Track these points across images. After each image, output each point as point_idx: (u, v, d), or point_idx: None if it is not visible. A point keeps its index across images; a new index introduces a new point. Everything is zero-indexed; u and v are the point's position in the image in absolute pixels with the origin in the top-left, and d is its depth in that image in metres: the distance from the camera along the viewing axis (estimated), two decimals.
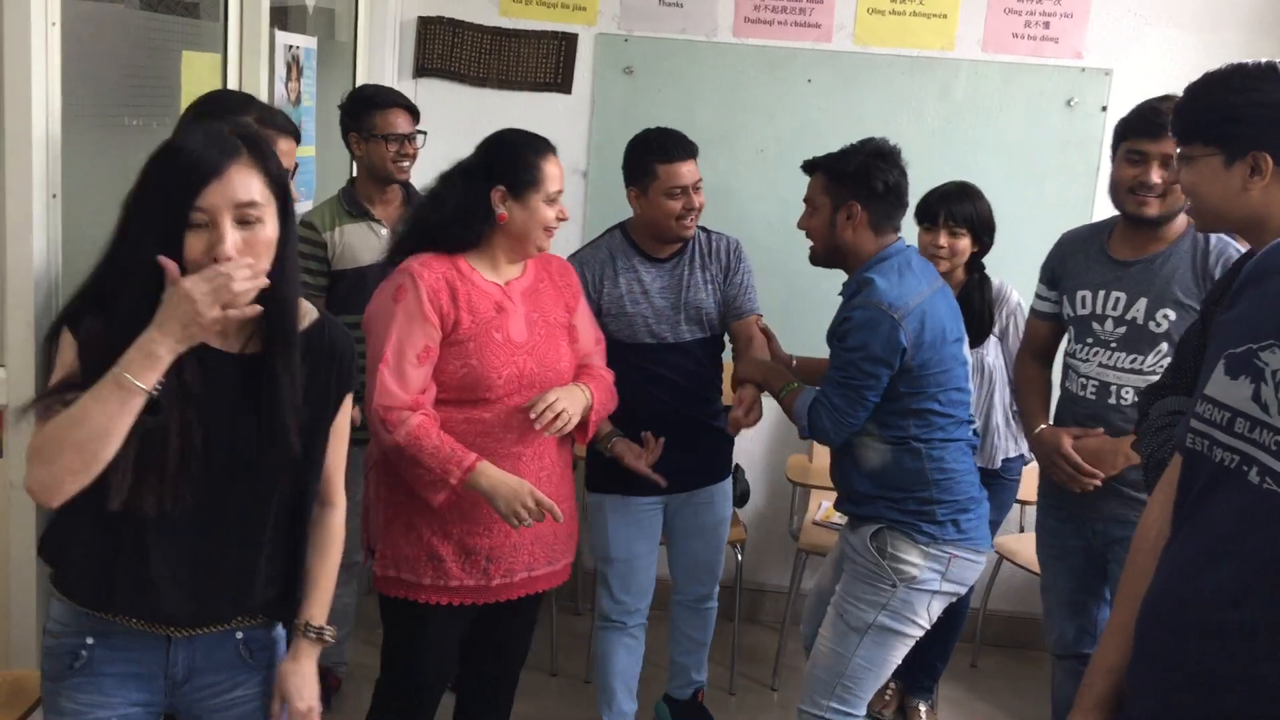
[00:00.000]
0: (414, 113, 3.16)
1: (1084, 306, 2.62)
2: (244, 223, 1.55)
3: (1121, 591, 1.47)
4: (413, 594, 2.37)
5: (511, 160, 2.33)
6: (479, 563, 2.36)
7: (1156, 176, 2.45)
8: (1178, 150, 1.92)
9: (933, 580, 2.53)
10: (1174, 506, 1.36)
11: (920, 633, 2.59)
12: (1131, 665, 1.35)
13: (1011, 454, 3.27)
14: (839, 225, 2.56)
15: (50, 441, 1.52)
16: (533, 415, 2.29)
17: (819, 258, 2.66)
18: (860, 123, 3.83)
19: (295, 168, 2.40)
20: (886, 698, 3.54)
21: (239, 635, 1.76)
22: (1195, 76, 1.92)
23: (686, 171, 2.85)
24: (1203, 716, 1.23)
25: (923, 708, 3.52)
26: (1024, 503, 3.76)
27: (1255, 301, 1.32)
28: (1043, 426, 2.68)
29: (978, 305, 3.10)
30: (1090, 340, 2.60)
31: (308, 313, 1.74)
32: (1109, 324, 2.57)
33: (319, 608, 1.84)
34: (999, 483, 3.29)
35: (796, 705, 2.71)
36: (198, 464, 1.60)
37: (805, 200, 2.64)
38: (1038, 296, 2.79)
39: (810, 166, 2.65)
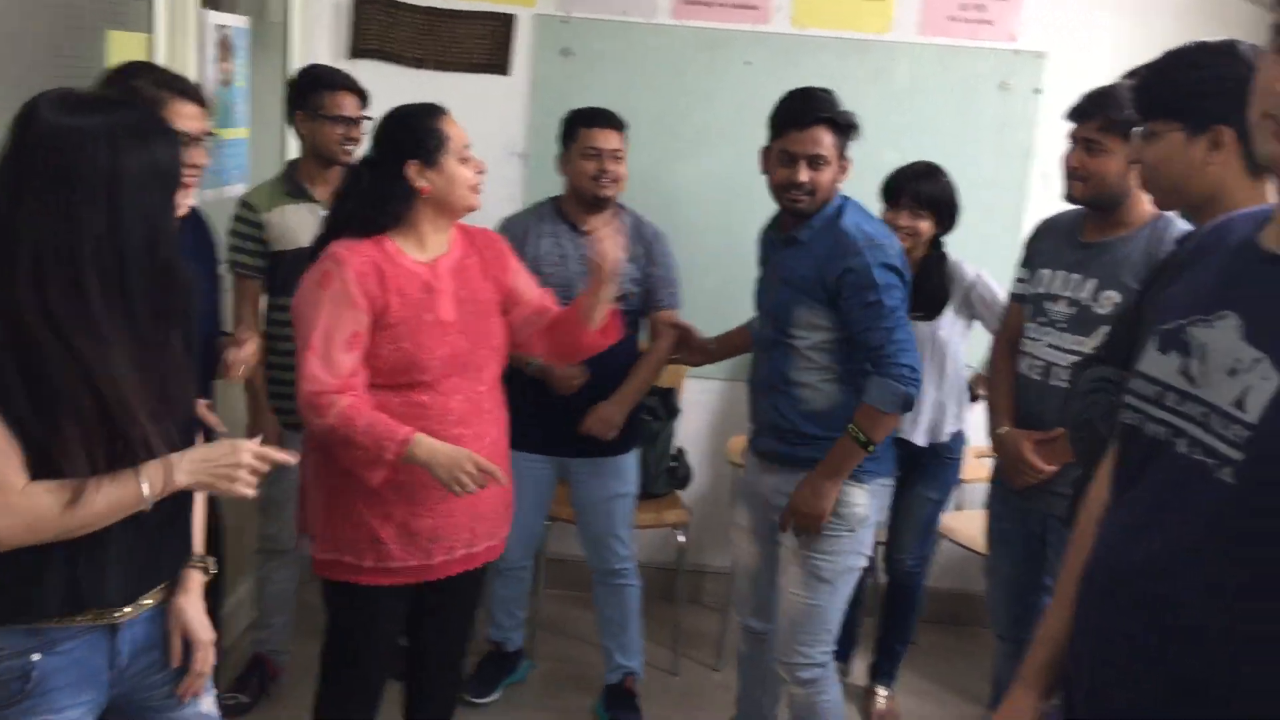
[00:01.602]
0: (363, 97, 3.14)
1: (1042, 285, 2.64)
2: None
3: (1065, 565, 1.49)
4: (354, 577, 2.35)
5: (412, 132, 2.32)
6: (421, 543, 2.36)
7: (1074, 160, 2.52)
8: (1140, 127, 1.93)
9: (875, 512, 2.66)
10: (1113, 481, 1.39)
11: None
12: (1071, 636, 1.38)
13: (954, 429, 3.32)
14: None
15: (45, 519, 1.53)
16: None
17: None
18: None
19: (209, 135, 2.33)
20: (881, 705, 3.52)
21: (164, 607, 1.77)
22: (1127, 59, 1.95)
23: (604, 138, 3.06)
24: (1134, 685, 1.25)
25: (883, 693, 3.53)
26: (962, 481, 3.82)
27: (1188, 280, 1.35)
28: (1005, 430, 2.67)
29: (935, 280, 3.15)
30: (1043, 319, 2.62)
31: None
32: (1061, 304, 2.58)
33: (198, 537, 1.87)
34: (941, 461, 3.34)
35: (736, 685, 2.81)
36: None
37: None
38: (1016, 280, 2.81)
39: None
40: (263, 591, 3.26)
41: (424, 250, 2.37)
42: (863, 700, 3.55)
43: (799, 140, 2.57)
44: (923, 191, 3.10)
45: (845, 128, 2.63)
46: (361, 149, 3.09)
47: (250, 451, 1.65)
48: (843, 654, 3.51)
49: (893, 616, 3.49)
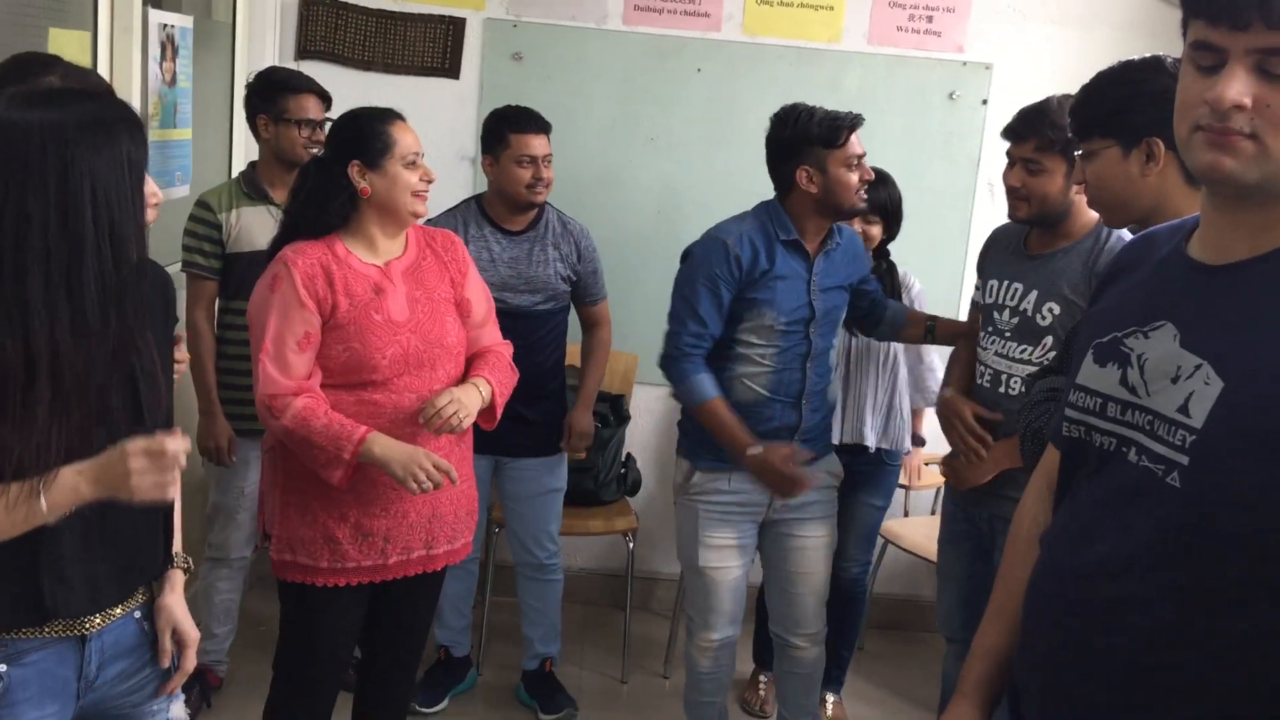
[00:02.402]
0: (326, 99, 3.12)
1: (990, 295, 2.67)
2: None
3: (999, 576, 1.51)
4: (309, 577, 2.35)
5: (358, 133, 2.34)
6: (376, 544, 2.36)
7: (1013, 180, 2.53)
8: (1079, 148, 1.98)
9: None
10: (1055, 493, 1.41)
11: None
12: (1019, 646, 1.39)
13: (905, 443, 3.37)
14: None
15: None
16: (421, 421, 2.29)
17: None
18: (750, 113, 3.85)
19: None
20: (761, 692, 3.56)
21: (137, 614, 1.73)
22: (1072, 71, 2.00)
23: (537, 144, 3.07)
24: (1088, 688, 1.26)
25: (831, 699, 3.54)
26: (908, 488, 3.85)
27: (1119, 294, 1.38)
28: (953, 393, 2.71)
29: (887, 286, 3.23)
30: (990, 329, 2.65)
31: None
32: (1005, 314, 2.61)
33: (177, 538, 1.84)
34: (885, 469, 3.37)
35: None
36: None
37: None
38: (975, 287, 2.85)
39: None
40: (207, 601, 3.20)
41: (375, 252, 2.37)
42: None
43: (857, 143, 2.73)
44: (873, 198, 3.13)
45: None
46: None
47: (136, 454, 1.52)
48: (771, 662, 3.53)
49: (839, 623, 3.49)
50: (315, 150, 3.04)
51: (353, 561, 2.35)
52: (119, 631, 1.70)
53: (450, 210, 3.19)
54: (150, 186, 1.61)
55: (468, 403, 2.33)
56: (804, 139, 2.69)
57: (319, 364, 2.30)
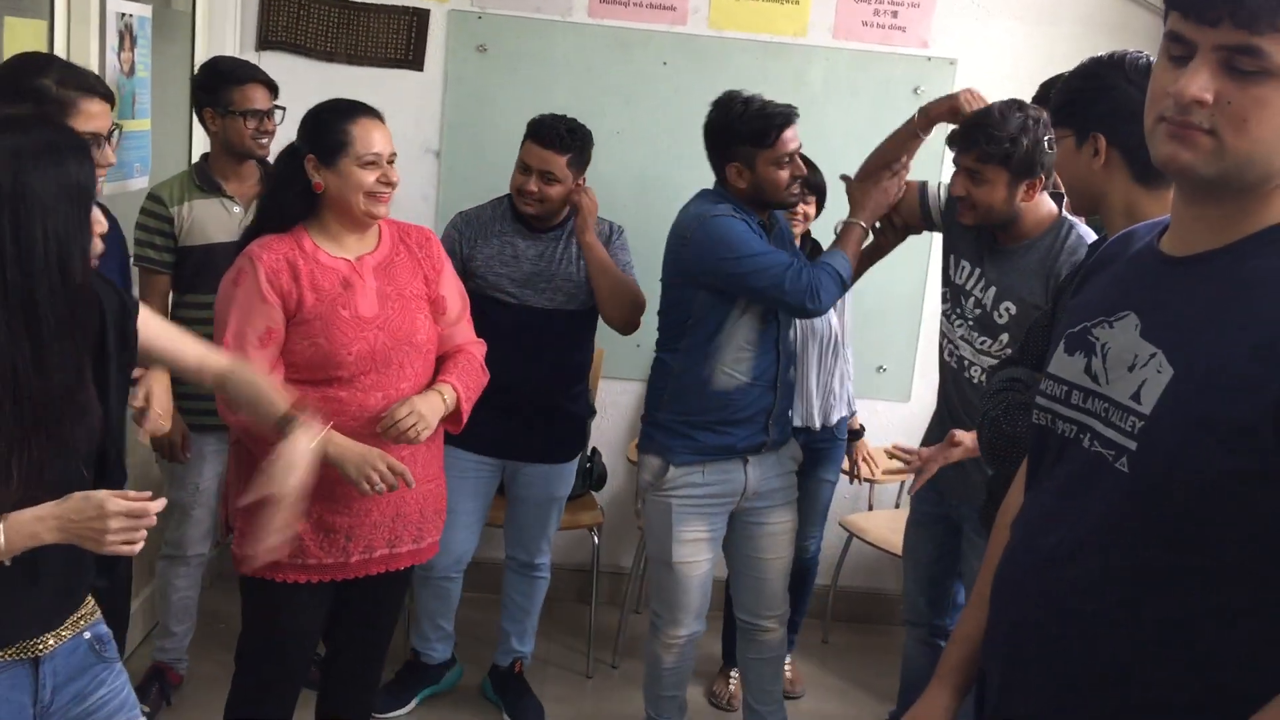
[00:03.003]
0: (272, 88, 3.06)
1: (960, 275, 2.69)
2: None
3: (984, 564, 1.53)
4: (271, 573, 2.33)
5: (317, 128, 2.32)
6: (338, 541, 2.35)
7: (958, 188, 2.55)
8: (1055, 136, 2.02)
9: None
10: (1026, 482, 1.44)
11: None
12: (985, 631, 1.41)
13: (844, 413, 3.46)
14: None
15: None
16: (379, 431, 2.28)
17: None
18: None
19: (116, 131, 2.28)
20: (731, 686, 3.59)
21: (86, 635, 1.71)
22: (1035, 67, 2.02)
23: (537, 154, 2.98)
24: (1043, 674, 1.28)
25: (786, 660, 3.57)
26: (872, 481, 3.87)
27: (1093, 287, 1.40)
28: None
29: None
30: (959, 311, 2.68)
31: None
32: (970, 302, 2.65)
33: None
34: (835, 444, 3.45)
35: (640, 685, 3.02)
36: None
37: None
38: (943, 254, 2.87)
39: None
40: (165, 599, 3.16)
41: (343, 246, 2.35)
42: None
43: (792, 139, 2.76)
44: (810, 180, 3.24)
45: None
46: (277, 140, 3.03)
47: (116, 512, 1.49)
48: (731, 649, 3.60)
49: (792, 593, 3.56)
50: (265, 140, 3.01)
51: (314, 558, 2.34)
52: (70, 654, 1.68)
53: (483, 204, 3.14)
54: (95, 214, 1.58)
55: (427, 413, 2.31)
56: (733, 137, 2.72)
57: (284, 359, 2.27)
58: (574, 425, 3.25)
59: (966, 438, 2.54)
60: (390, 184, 2.32)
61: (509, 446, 3.10)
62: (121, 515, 1.49)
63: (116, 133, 2.28)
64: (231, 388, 1.99)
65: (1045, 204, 2.60)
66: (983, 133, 2.47)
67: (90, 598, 1.75)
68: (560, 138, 2.96)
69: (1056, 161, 1.99)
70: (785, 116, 2.72)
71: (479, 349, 2.54)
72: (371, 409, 2.29)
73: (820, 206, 3.38)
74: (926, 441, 2.80)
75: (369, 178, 2.29)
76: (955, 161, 2.57)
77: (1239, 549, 1.13)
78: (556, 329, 3.05)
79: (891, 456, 2.63)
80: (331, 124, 2.30)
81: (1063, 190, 2.76)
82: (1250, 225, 1.19)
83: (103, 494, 1.51)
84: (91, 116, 2.17)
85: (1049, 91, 2.54)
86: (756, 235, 2.74)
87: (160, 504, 1.54)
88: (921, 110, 2.84)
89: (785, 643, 3.06)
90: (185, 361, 1.91)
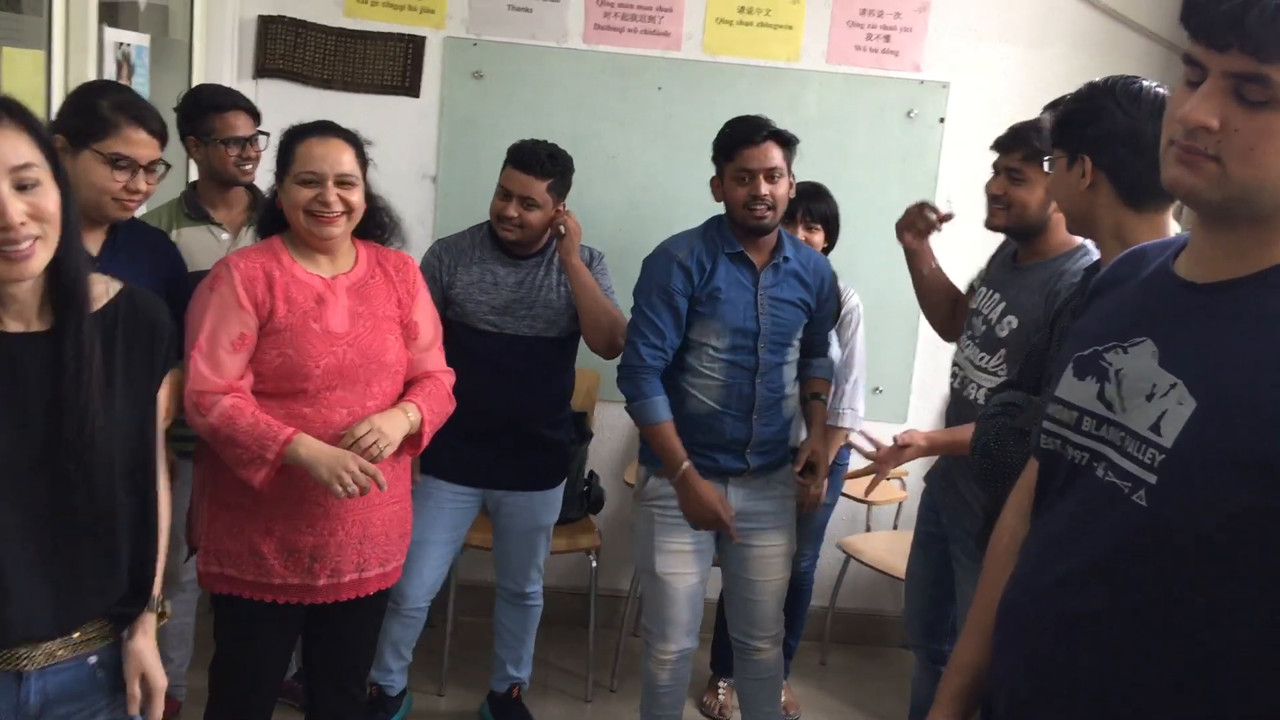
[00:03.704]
0: (254, 114, 3.07)
1: (977, 301, 2.72)
2: (21, 187, 1.48)
3: (978, 590, 1.52)
4: (237, 589, 2.35)
5: (280, 149, 2.38)
6: (303, 561, 2.35)
7: (996, 188, 2.58)
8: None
9: None
10: (1033, 507, 1.41)
11: None
12: (992, 659, 1.39)
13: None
14: None
15: None
16: (341, 447, 2.27)
17: None
18: (711, 131, 3.87)
19: (162, 166, 2.37)
20: (721, 696, 3.62)
21: (92, 660, 1.67)
22: (1027, 89, 2.04)
23: (519, 180, 2.96)
24: (1053, 703, 1.27)
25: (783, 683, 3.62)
26: (871, 504, 3.87)
27: (1101, 308, 1.38)
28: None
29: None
30: (969, 332, 2.71)
31: (110, 286, 1.69)
32: (979, 320, 2.66)
33: (157, 581, 1.80)
34: (834, 467, 3.42)
35: (638, 705, 3.04)
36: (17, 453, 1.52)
37: None
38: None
39: None
40: (160, 626, 3.15)
41: (317, 265, 2.38)
42: None
43: (754, 156, 2.70)
44: (814, 209, 3.34)
45: (789, 142, 2.78)
46: (261, 166, 3.04)
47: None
48: (730, 668, 3.59)
49: (786, 614, 3.57)
50: (248, 167, 3.02)
51: (279, 578, 2.34)
52: (67, 675, 1.64)
53: (463, 231, 3.13)
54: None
55: (389, 431, 2.31)
56: (715, 150, 2.78)
57: (254, 369, 2.29)
58: (556, 452, 3.22)
59: (917, 437, 2.58)
60: (326, 204, 2.30)
61: (489, 475, 3.08)
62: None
63: (162, 168, 2.36)
64: None
65: (1064, 229, 2.61)
66: (1032, 133, 2.52)
67: (108, 623, 1.70)
68: (541, 163, 2.96)
69: (1050, 182, 2.01)
70: (753, 131, 2.70)
71: (448, 377, 2.55)
72: (336, 425, 2.30)
73: (830, 236, 3.37)
74: (933, 469, 2.81)
75: (305, 195, 2.31)
76: (996, 165, 2.61)
77: (1258, 583, 1.11)
78: (536, 356, 3.04)
79: (851, 445, 2.68)
80: (286, 143, 2.37)
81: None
82: (1271, 256, 1.17)
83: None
84: (132, 143, 2.26)
85: (1006, 134, 2.58)
86: (675, 279, 2.74)
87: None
88: (899, 235, 2.94)
89: (781, 664, 3.06)
90: None
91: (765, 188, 2.70)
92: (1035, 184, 2.52)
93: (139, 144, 2.27)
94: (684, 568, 2.87)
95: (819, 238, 3.34)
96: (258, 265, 2.31)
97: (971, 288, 2.88)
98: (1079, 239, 2.56)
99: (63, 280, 1.57)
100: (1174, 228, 1.96)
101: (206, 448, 2.35)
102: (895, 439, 2.64)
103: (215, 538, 2.36)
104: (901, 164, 3.93)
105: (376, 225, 2.49)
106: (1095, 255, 2.54)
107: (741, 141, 2.70)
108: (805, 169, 3.73)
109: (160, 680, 1.74)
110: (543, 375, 3.08)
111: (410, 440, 2.41)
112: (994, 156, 2.62)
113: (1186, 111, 1.15)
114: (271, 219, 2.42)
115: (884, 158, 3.92)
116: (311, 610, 2.41)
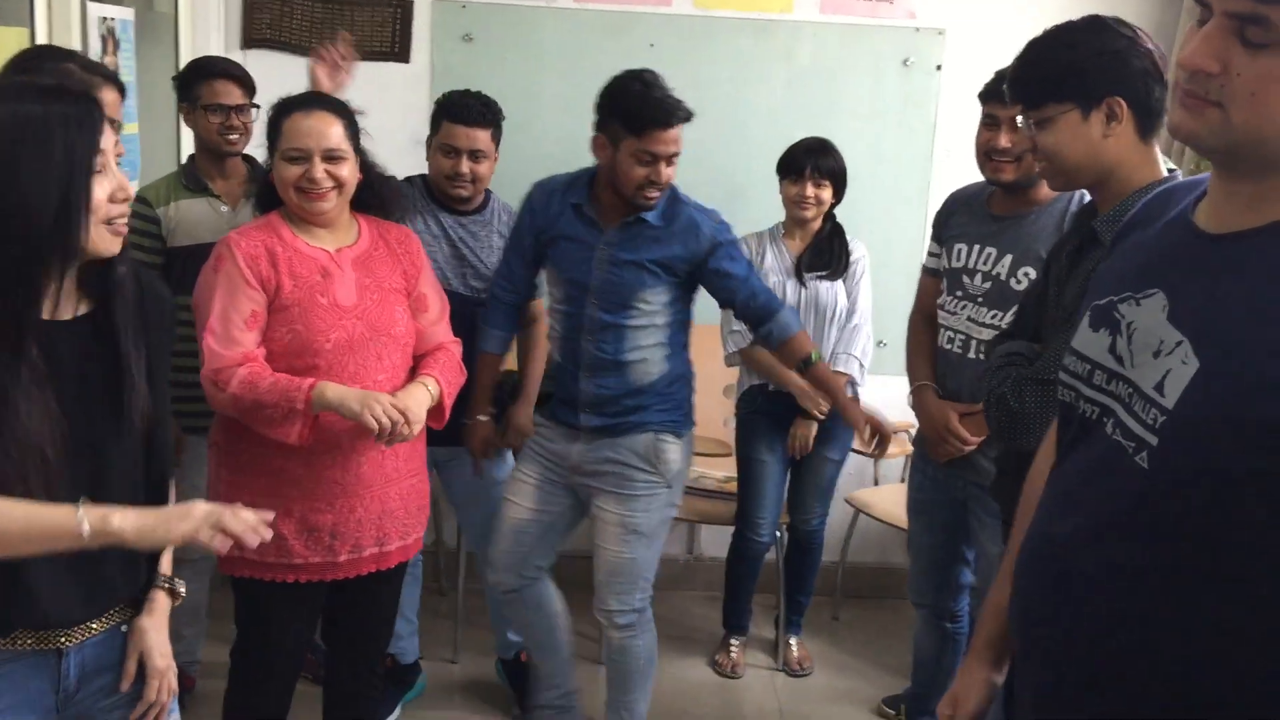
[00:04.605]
0: (246, 84, 3.03)
1: (958, 259, 2.66)
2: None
3: (1012, 538, 1.50)
4: (257, 573, 2.33)
5: (269, 124, 2.35)
6: (323, 539, 2.33)
7: (1005, 141, 2.50)
8: (1029, 118, 1.93)
9: (687, 462, 2.85)
10: (1056, 454, 1.39)
11: None
12: (1009, 605, 1.38)
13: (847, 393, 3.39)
14: None
15: None
16: (374, 436, 2.24)
17: None
18: (706, 87, 3.83)
19: (118, 124, 2.30)
20: (733, 655, 3.64)
21: (124, 629, 1.70)
22: (1023, 35, 1.97)
23: (463, 134, 2.92)
24: (1055, 662, 1.26)
25: (793, 641, 3.72)
26: (878, 457, 3.86)
27: (1120, 256, 1.34)
28: (926, 386, 2.71)
29: (838, 249, 3.39)
30: (960, 293, 2.64)
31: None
32: (978, 278, 2.61)
33: (166, 558, 1.80)
34: (840, 423, 3.37)
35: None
36: (67, 442, 1.52)
37: None
38: (929, 254, 2.86)
39: None
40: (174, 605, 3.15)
41: (319, 238, 2.35)
42: (776, 651, 3.74)
43: (665, 140, 2.60)
44: (822, 164, 3.31)
45: (688, 120, 2.67)
46: (250, 138, 3.01)
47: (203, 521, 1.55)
48: (742, 627, 3.70)
49: (797, 572, 3.66)
50: (234, 137, 2.99)
51: (299, 558, 2.33)
52: (102, 646, 1.67)
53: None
54: (119, 180, 1.56)
55: (414, 409, 2.28)
56: (614, 109, 2.63)
57: (264, 347, 2.26)
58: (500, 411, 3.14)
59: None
60: (314, 180, 2.27)
61: (431, 433, 3.03)
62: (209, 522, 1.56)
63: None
64: None
65: None
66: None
67: (138, 595, 1.72)
68: (480, 113, 2.92)
69: (1053, 141, 1.89)
70: (672, 116, 2.58)
71: (456, 347, 2.53)
72: None
73: (838, 192, 3.35)
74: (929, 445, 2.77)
75: (293, 172, 2.27)
76: (996, 115, 2.51)
77: (1259, 548, 1.08)
78: (475, 315, 2.95)
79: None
80: (274, 119, 2.33)
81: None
82: None
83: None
84: (107, 105, 2.19)
85: (1000, 84, 2.50)
86: (523, 217, 2.76)
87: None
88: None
89: (635, 657, 2.88)
90: None
91: (665, 173, 2.61)
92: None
93: (111, 105, 2.22)
94: (517, 497, 2.83)
95: (827, 193, 3.32)
96: (259, 242, 2.27)
97: (934, 253, 2.80)
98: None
99: (107, 262, 1.58)
100: (1162, 160, 1.92)
101: (221, 431, 2.34)
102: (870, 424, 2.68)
103: None
104: (899, 114, 3.89)
105: (375, 199, 2.44)
106: (1082, 192, 2.50)
107: (656, 123, 2.58)
108: (801, 122, 3.71)
109: (158, 663, 1.72)
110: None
111: (432, 413, 2.40)
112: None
113: (1187, 54, 1.11)
114: (269, 194, 2.39)
115: (881, 108, 3.88)
116: (332, 586, 2.40)
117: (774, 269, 3.38)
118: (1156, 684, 1.16)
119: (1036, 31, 1.99)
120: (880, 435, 2.73)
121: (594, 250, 2.67)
